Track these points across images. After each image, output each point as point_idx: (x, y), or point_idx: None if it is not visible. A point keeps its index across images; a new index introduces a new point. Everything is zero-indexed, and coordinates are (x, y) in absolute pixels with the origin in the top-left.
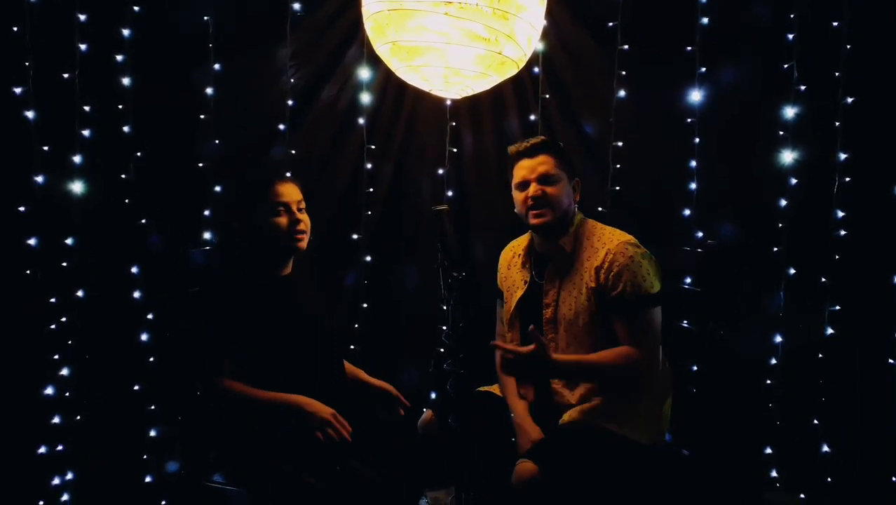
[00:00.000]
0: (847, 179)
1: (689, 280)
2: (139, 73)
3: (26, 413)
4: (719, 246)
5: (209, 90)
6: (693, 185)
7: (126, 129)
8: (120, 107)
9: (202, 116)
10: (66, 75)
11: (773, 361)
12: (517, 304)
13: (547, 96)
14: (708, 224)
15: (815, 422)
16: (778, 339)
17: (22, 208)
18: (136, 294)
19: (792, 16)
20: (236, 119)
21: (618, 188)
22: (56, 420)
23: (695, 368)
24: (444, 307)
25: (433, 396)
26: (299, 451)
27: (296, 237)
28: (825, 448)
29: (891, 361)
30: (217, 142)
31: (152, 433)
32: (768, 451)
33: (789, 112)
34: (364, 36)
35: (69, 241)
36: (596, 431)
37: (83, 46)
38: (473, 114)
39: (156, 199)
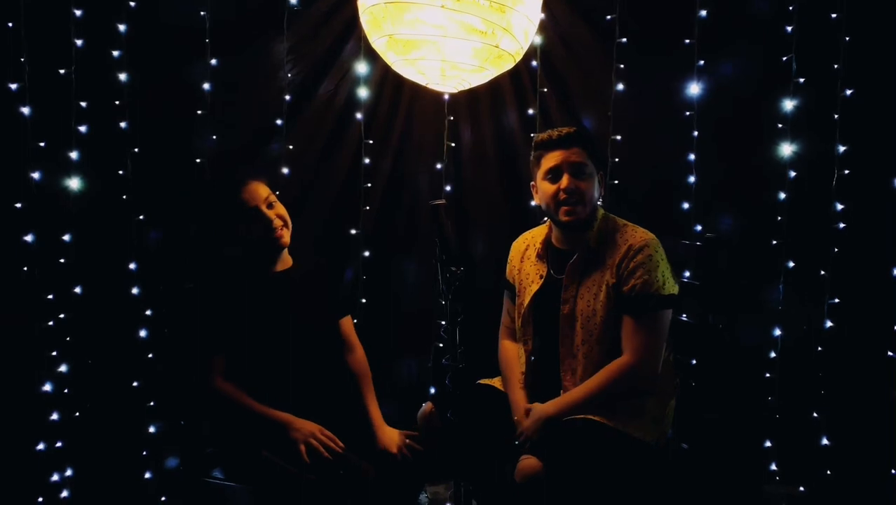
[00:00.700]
0: (846, 172)
1: (687, 273)
2: (135, 69)
3: (25, 410)
4: (718, 239)
5: (206, 85)
6: (692, 178)
7: (123, 124)
8: (116, 102)
9: (199, 112)
10: (61, 71)
11: (773, 354)
12: (532, 299)
13: (545, 90)
14: (707, 217)
15: (815, 415)
16: (777, 332)
17: (18, 205)
18: (134, 290)
19: (791, 7)
20: (233, 114)
21: (616, 181)
22: (55, 417)
23: (694, 361)
24: (443, 302)
25: (432, 390)
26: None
27: (273, 236)
28: (825, 441)
29: (890, 353)
30: (214, 137)
31: (151, 429)
32: (768, 444)
33: (788, 104)
34: (361, 30)
35: (66, 237)
36: (599, 428)
37: (79, 42)
38: (471, 108)
39: (153, 194)
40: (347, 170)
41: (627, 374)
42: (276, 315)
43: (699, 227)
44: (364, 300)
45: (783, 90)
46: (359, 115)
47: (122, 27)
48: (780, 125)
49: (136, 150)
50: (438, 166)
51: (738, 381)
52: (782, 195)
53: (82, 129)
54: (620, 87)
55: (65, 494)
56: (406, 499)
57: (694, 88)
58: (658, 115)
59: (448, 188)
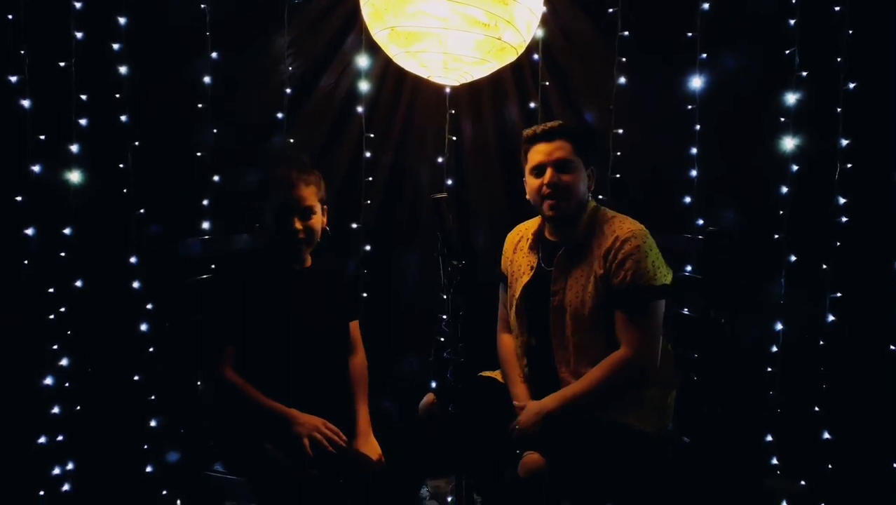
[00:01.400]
0: (848, 166)
1: (689, 267)
2: (136, 62)
3: (26, 403)
4: (720, 233)
5: (206, 79)
6: (694, 173)
7: (123, 118)
8: (117, 95)
9: (200, 105)
10: (62, 63)
11: (774, 349)
12: (522, 290)
13: (547, 83)
14: (709, 211)
15: (816, 409)
16: (779, 326)
17: (19, 198)
18: (135, 284)
19: (793, 1)
20: (234, 108)
21: (618, 175)
22: (56, 410)
23: (695, 355)
24: (444, 296)
25: (433, 384)
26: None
27: (292, 245)
28: (826, 435)
29: (892, 347)
30: (215, 131)
31: (152, 423)
32: (769, 438)
33: (790, 98)
34: (362, 23)
35: (67, 230)
36: (602, 422)
37: (79, 34)
38: (473, 101)
39: (154, 188)
40: (348, 163)
41: (625, 367)
42: (292, 312)
43: (701, 222)
44: (365, 294)
45: (785, 84)
46: (360, 109)
47: (122, 20)
48: (782, 119)
49: (137, 143)
50: (440, 160)
51: (740, 375)
52: (784, 189)
53: (82, 122)
54: (622, 80)
55: (66, 487)
56: (408, 493)
57: (696, 82)
58: (660, 109)
59: (449, 182)
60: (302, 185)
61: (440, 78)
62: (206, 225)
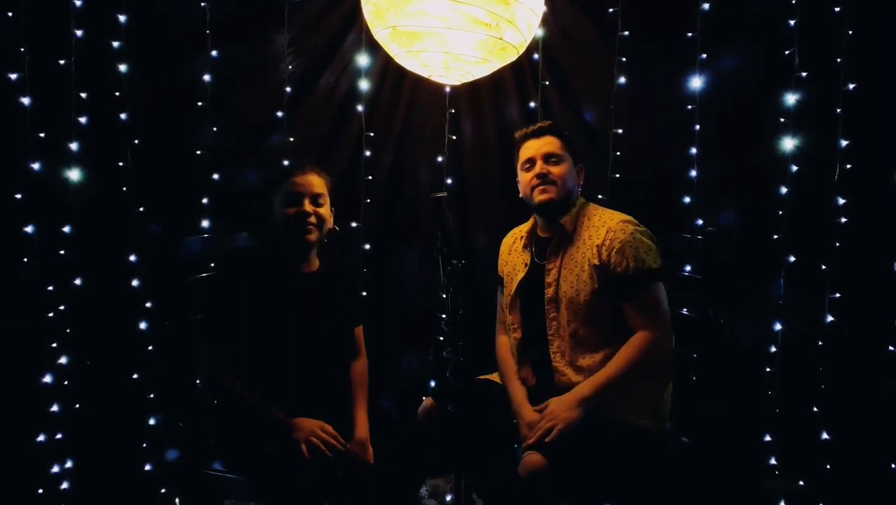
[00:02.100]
0: (848, 166)
1: (689, 267)
2: (136, 60)
3: (25, 402)
4: (719, 233)
5: (206, 77)
6: (693, 172)
7: (123, 116)
8: (117, 94)
9: (199, 104)
10: (62, 61)
11: (773, 349)
12: (518, 285)
13: (547, 83)
14: (708, 211)
15: (815, 409)
16: (778, 326)
17: (18, 196)
18: (135, 282)
19: (793, 1)
20: (234, 106)
21: (618, 175)
22: (55, 408)
23: (695, 355)
24: (444, 295)
25: (433, 384)
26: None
27: (303, 227)
28: (825, 435)
29: (891, 348)
30: (214, 129)
31: (151, 421)
32: (768, 438)
33: (790, 98)
34: (363, 22)
35: (66, 229)
36: (601, 419)
37: (79, 32)
38: (473, 101)
39: (153, 186)
40: (348, 162)
41: (649, 347)
42: (296, 316)
43: (700, 221)
44: (364, 294)
45: (785, 84)
46: (360, 108)
47: (122, 18)
48: (781, 119)
49: (137, 141)
50: (440, 159)
51: (739, 375)
52: (784, 189)
53: (82, 120)
54: (622, 80)
55: (65, 485)
56: (407, 492)
57: (696, 82)
58: (660, 108)
59: (449, 181)
60: (313, 173)
61: (441, 77)
62: (205, 224)
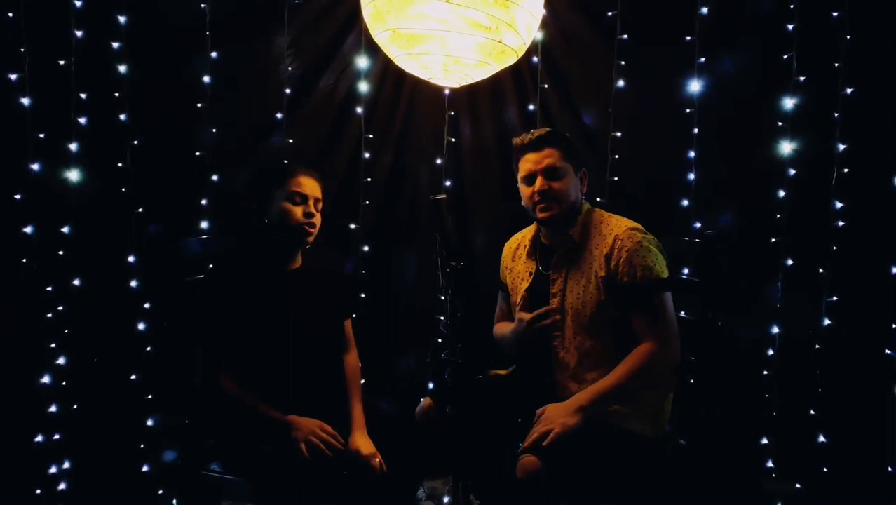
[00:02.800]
0: (846, 170)
1: (687, 270)
2: (136, 61)
3: (23, 402)
4: (718, 236)
5: (206, 78)
6: (692, 176)
7: (123, 116)
8: (116, 94)
9: (199, 105)
10: (61, 62)
11: (771, 352)
12: (523, 296)
13: (546, 86)
14: (707, 214)
15: (812, 412)
16: (776, 329)
17: (17, 196)
18: (134, 283)
19: (792, 6)
20: (233, 107)
21: (616, 178)
22: (53, 409)
23: (693, 358)
24: (443, 297)
25: (430, 385)
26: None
27: (306, 229)
28: (822, 438)
29: (888, 351)
30: (214, 130)
31: (149, 422)
32: (765, 441)
33: (789, 102)
34: (362, 24)
35: (66, 229)
36: (600, 426)
37: (79, 33)
38: (472, 103)
39: (152, 187)
40: (347, 164)
41: (653, 359)
42: (286, 313)
43: (699, 225)
44: (363, 295)
45: (784, 88)
46: (359, 110)
47: (122, 19)
48: (780, 123)
49: (136, 142)
50: (439, 161)
51: (737, 378)
52: (782, 193)
53: (82, 120)
54: (621, 83)
55: (63, 486)
56: (404, 493)
57: (694, 86)
58: (658, 112)
59: (448, 183)
60: (316, 177)
61: (440, 80)
62: (204, 224)
